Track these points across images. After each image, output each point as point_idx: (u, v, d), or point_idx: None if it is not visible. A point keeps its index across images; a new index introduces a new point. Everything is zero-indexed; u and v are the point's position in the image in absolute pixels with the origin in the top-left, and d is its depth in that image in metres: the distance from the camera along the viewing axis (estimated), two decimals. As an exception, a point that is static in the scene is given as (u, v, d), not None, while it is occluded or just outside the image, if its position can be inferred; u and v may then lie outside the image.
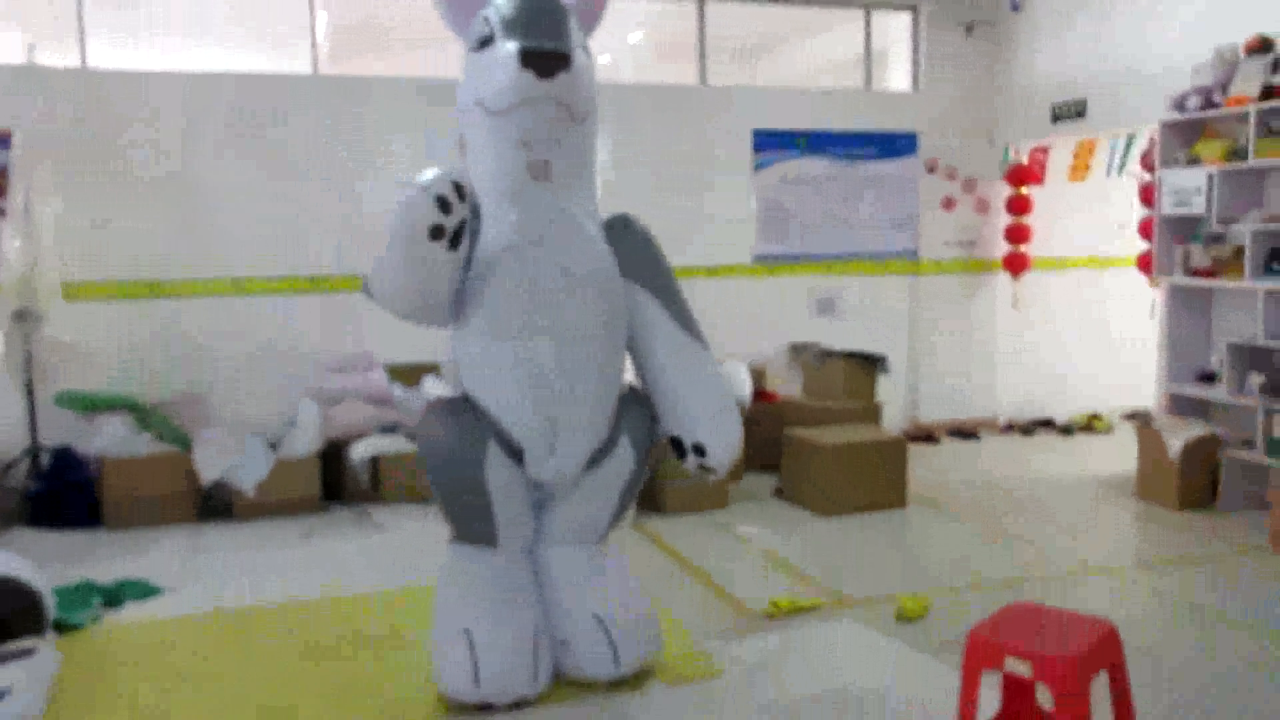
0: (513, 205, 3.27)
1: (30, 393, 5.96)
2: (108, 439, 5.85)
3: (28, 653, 3.35)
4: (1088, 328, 8.41)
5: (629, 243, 3.52)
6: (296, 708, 3.43)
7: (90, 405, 5.92)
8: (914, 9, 8.00)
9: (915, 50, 8.04)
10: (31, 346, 5.88)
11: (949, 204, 8.12)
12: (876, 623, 4.10)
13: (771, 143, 7.61)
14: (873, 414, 6.55)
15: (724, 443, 3.48)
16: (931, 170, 8.04)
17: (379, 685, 3.60)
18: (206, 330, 6.41)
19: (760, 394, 6.77)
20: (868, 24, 7.93)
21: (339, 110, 6.63)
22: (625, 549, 4.93)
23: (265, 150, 6.50)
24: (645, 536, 5.42)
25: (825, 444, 5.75)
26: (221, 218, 6.43)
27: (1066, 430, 8.21)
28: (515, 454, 3.41)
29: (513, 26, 3.11)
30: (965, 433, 8.12)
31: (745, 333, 7.51)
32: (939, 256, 8.14)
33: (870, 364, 6.73)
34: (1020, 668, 2.54)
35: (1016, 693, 2.85)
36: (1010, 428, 8.32)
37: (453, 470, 3.39)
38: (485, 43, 3.17)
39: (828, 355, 6.93)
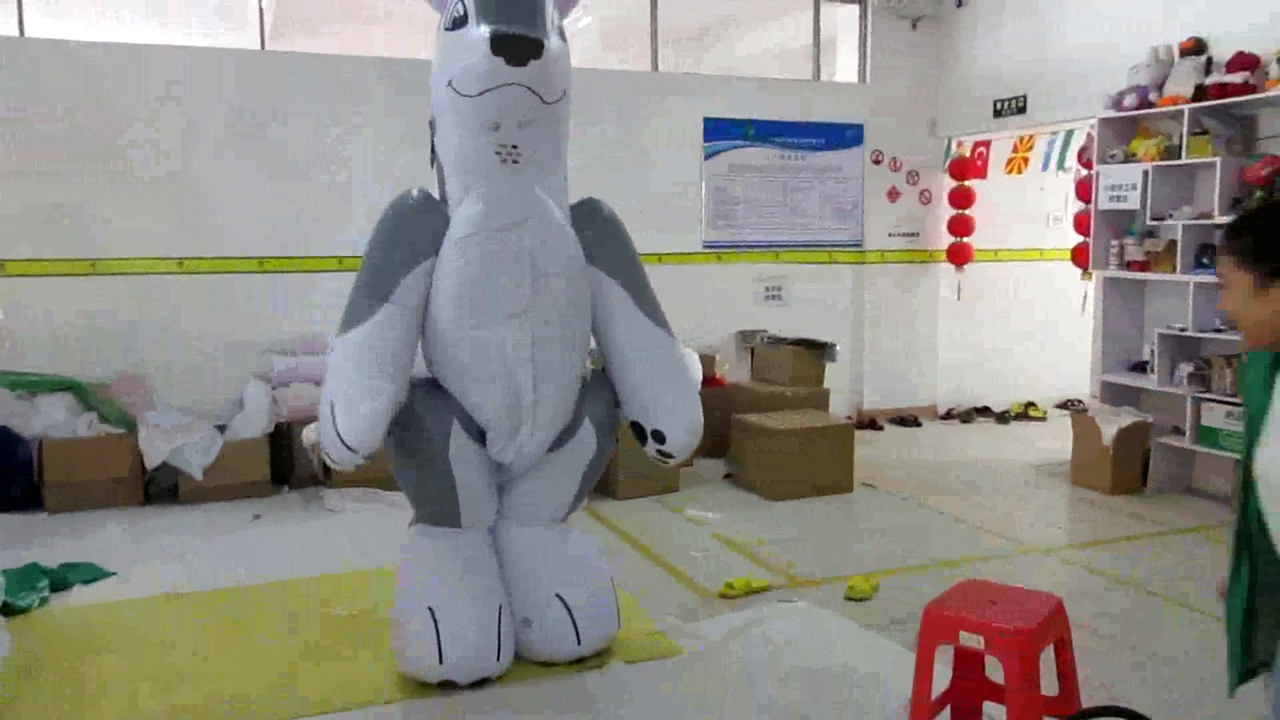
0: (480, 190, 3.29)
1: (-35, 373, 5.80)
2: (48, 420, 5.73)
3: (-23, 636, 3.30)
4: (1024, 319, 8.66)
5: (596, 228, 3.56)
6: (250, 690, 3.42)
7: (29, 385, 5.78)
8: (862, 1, 8.12)
9: (862, 42, 8.17)
10: (-34, 325, 5.72)
11: (893, 195, 8.28)
12: (828, 602, 4.21)
13: (721, 131, 7.68)
14: (821, 400, 6.68)
15: (683, 430, 3.54)
16: (877, 162, 8.19)
17: (333, 666, 3.60)
18: (150, 310, 6.28)
19: (709, 380, 6.86)
20: (816, 15, 8.03)
21: (285, 86, 6.52)
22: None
23: (213, 126, 6.38)
24: (597, 519, 5.48)
25: (775, 429, 5.86)
26: (164, 194, 6.30)
27: (1003, 418, 8.45)
28: (479, 435, 3.44)
29: (486, 8, 3.10)
30: (907, 420, 8.31)
31: (695, 319, 7.55)
32: (883, 247, 8.31)
33: (818, 350, 6.86)
34: (973, 641, 2.65)
35: (967, 666, 2.97)
36: (950, 415, 8.53)
37: (417, 449, 3.41)
38: (459, 23, 3.17)
39: (777, 341, 7.04)
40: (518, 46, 3.06)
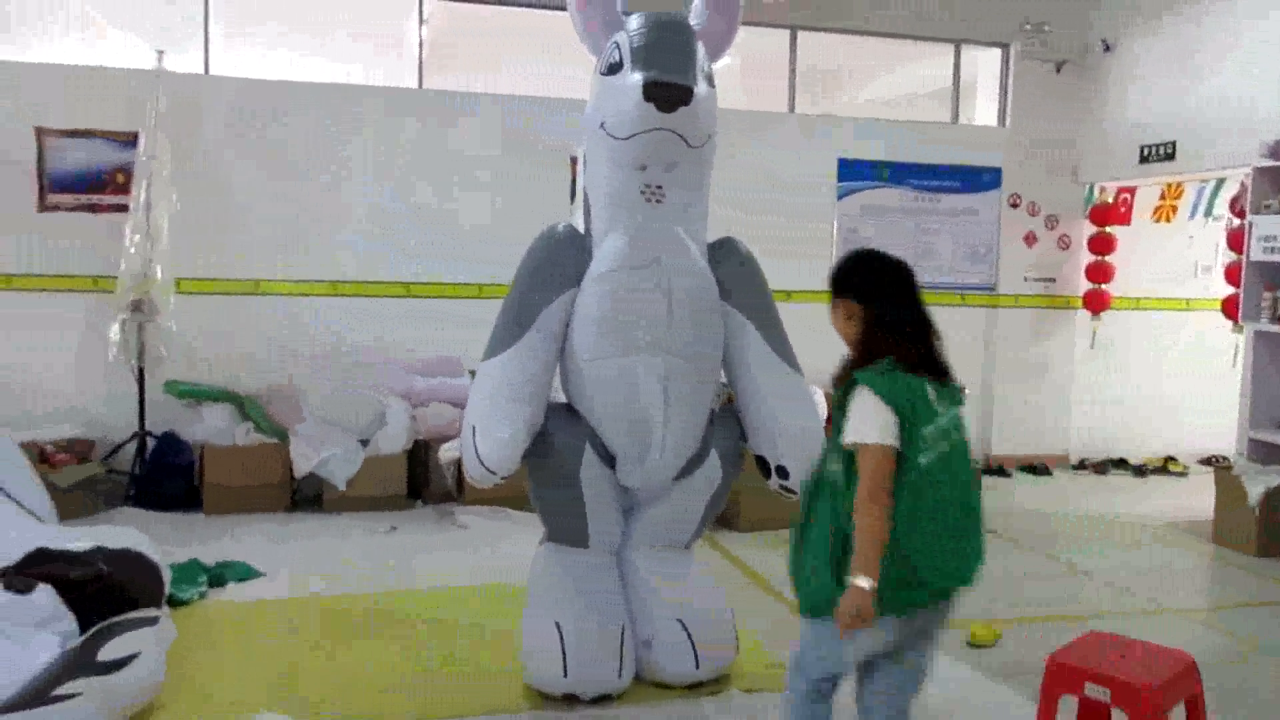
0: (624, 226, 3.45)
1: (141, 380, 6.30)
2: (209, 428, 6.17)
3: (153, 621, 3.60)
4: (1166, 370, 8.35)
5: (731, 266, 3.69)
6: (394, 690, 3.63)
7: (195, 395, 6.25)
8: (1005, 45, 8.06)
9: (1003, 86, 8.10)
10: (144, 337, 6.21)
11: (1030, 239, 8.14)
12: (949, 647, 4.18)
13: (855, 172, 7.72)
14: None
15: (806, 468, 3.60)
16: (1014, 205, 8.08)
17: (463, 674, 3.78)
18: (305, 328, 6.70)
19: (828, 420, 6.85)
20: (957, 58, 8.01)
21: (439, 123, 6.89)
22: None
23: (372, 159, 6.80)
24: (717, 551, 5.55)
25: (899, 470, 5.82)
26: (325, 221, 6.73)
27: (1140, 471, 8.16)
28: (609, 460, 3.58)
29: (640, 56, 3.29)
30: (1036, 468, 8.10)
31: (823, 358, 7.58)
32: (1018, 291, 8.16)
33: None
34: (1099, 693, 2.63)
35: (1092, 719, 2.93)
36: (1083, 465, 8.29)
37: (550, 469, 3.58)
38: (614, 69, 3.36)
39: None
40: (669, 94, 3.22)
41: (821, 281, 8.13)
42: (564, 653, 3.47)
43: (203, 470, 6.07)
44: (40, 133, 6.33)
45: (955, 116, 8.11)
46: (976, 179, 7.98)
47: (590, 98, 3.49)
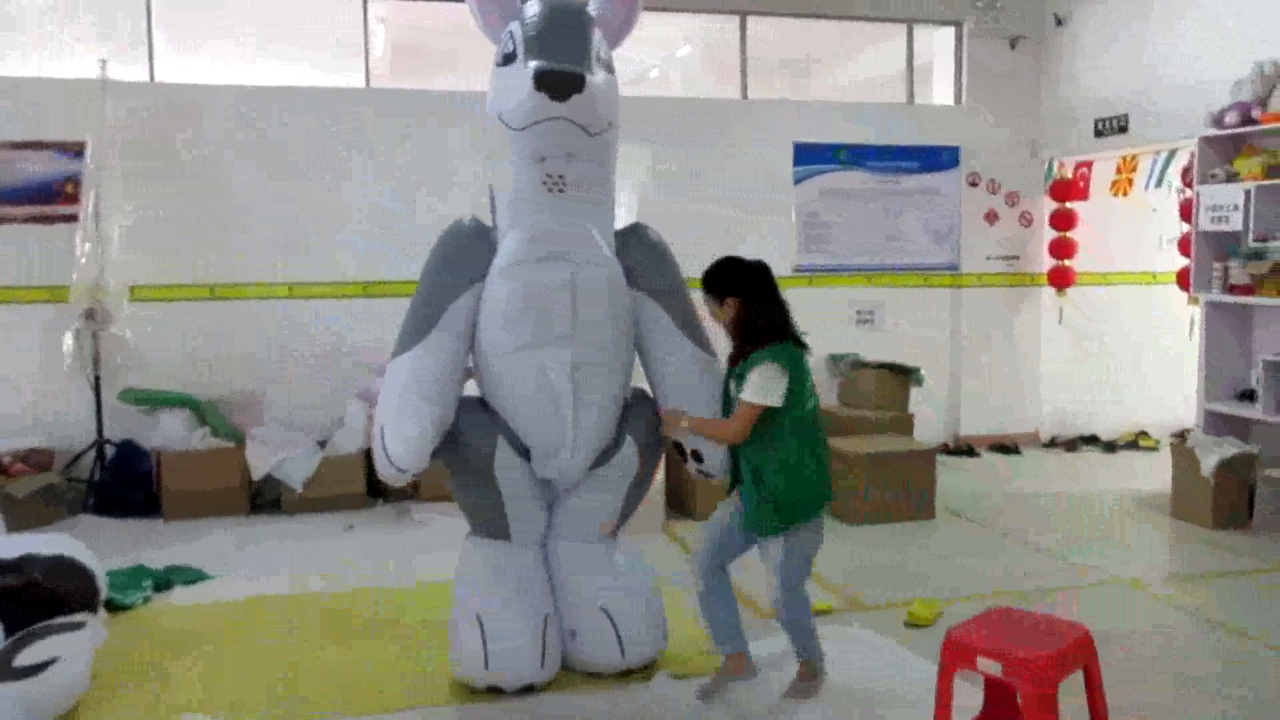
0: (527, 220, 3.45)
1: (97, 389, 6.32)
2: (167, 434, 6.19)
3: (78, 626, 3.60)
4: (1135, 344, 8.34)
5: (640, 251, 3.69)
6: (318, 689, 3.65)
7: (152, 402, 6.26)
8: (957, 24, 8.04)
9: (958, 65, 8.08)
10: (99, 345, 6.24)
11: (991, 218, 8.13)
12: (887, 627, 4.19)
13: (812, 156, 7.71)
14: (905, 425, 6.60)
15: (717, 451, 3.61)
16: (974, 184, 8.06)
17: (399, 670, 3.80)
18: (261, 332, 6.72)
19: (794, 403, 6.86)
20: (910, 39, 7.99)
21: (391, 124, 6.89)
22: (650, 551, 5.12)
23: (317, 161, 6.80)
24: (671, 539, 5.56)
25: (853, 453, 5.84)
26: (276, 225, 6.75)
27: (1110, 447, 8.14)
28: (524, 452, 3.59)
29: (532, 45, 3.29)
30: (1006, 447, 8.10)
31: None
32: (982, 270, 8.15)
33: (903, 375, 6.79)
34: (991, 667, 2.63)
35: (998, 695, 2.94)
36: (1053, 443, 8.28)
37: (466, 465, 3.59)
38: (509, 59, 3.36)
39: (860, 365, 7.00)
40: (560, 82, 3.22)
41: (783, 268, 8.22)
42: (485, 645, 3.48)
43: (160, 476, 6.09)
44: (-12, 145, 6.35)
45: (910, 97, 8.09)
46: (935, 159, 7.97)
47: (489, 90, 3.48)
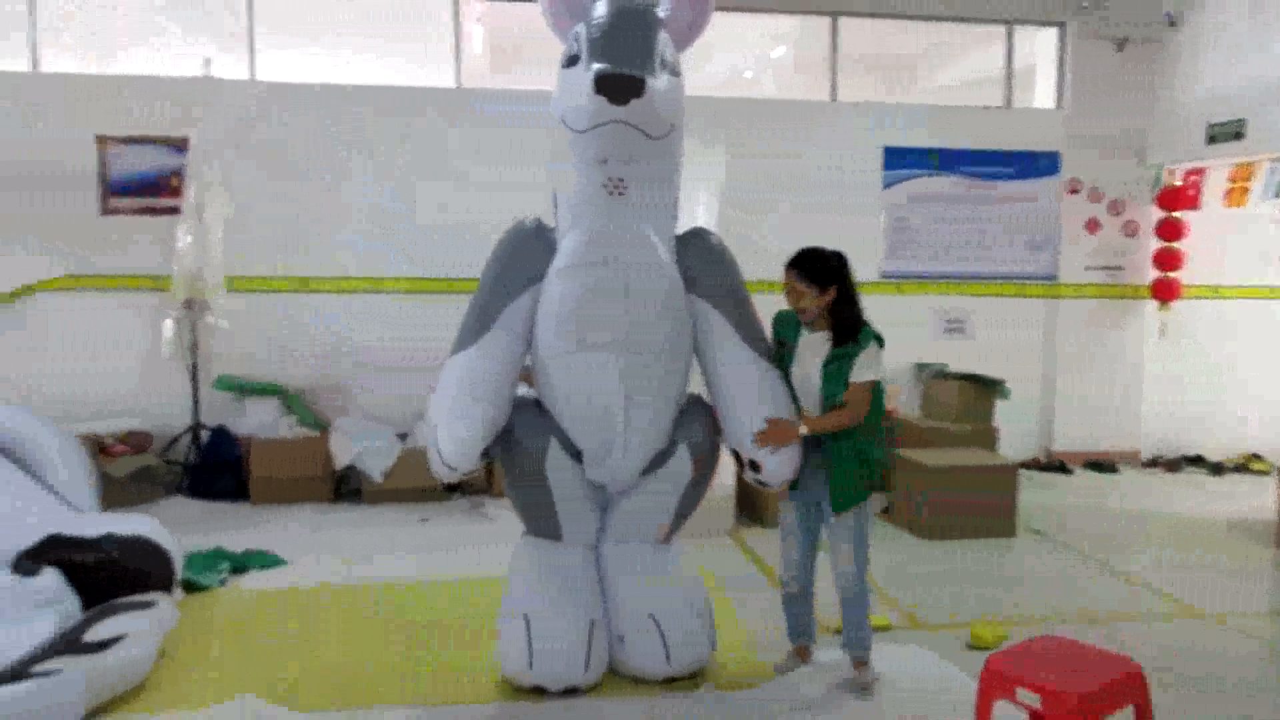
0: (585, 222, 3.46)
1: (194, 375, 6.60)
2: (256, 421, 6.44)
3: (148, 605, 3.77)
4: (1247, 362, 7.92)
5: (699, 257, 3.65)
6: (372, 678, 3.73)
7: (242, 389, 6.52)
8: (1061, 25, 7.74)
9: (1061, 67, 7.79)
10: (197, 334, 6.52)
11: (1093, 226, 7.81)
12: (946, 648, 4.06)
13: (902, 160, 7.54)
14: (987, 438, 6.40)
15: (777, 460, 3.56)
16: (1074, 191, 7.76)
17: (453, 664, 3.85)
18: (350, 325, 6.91)
19: (874, 412, 6.72)
20: (1009, 40, 7.73)
21: (485, 123, 6.99)
22: (715, 556, 5.10)
23: (414, 160, 6.96)
24: (737, 545, 5.51)
25: (928, 465, 5.69)
26: (367, 220, 6.93)
27: (1217, 469, 7.74)
28: (576, 454, 3.60)
29: (595, 47, 3.28)
30: (1102, 465, 7.77)
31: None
32: (1080, 280, 7.84)
33: (987, 387, 6.58)
34: (1029, 699, 2.53)
35: (1045, 726, 2.82)
36: (1154, 463, 7.92)
37: (518, 465, 3.62)
38: (572, 61, 3.36)
39: (942, 376, 6.81)
40: (619, 86, 3.20)
41: (868, 273, 8.06)
42: (530, 645, 3.51)
43: (248, 462, 6.33)
44: (101, 140, 6.69)
45: (1008, 100, 7.82)
46: (1033, 164, 7.70)
47: (555, 91, 3.48)
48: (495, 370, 3.48)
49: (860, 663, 3.68)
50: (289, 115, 6.84)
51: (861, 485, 3.57)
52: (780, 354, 3.67)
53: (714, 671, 3.77)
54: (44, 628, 3.52)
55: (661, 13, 3.50)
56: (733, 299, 3.66)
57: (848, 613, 3.68)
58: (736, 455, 3.66)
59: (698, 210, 6.31)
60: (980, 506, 5.67)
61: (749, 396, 3.60)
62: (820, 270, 3.53)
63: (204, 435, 6.63)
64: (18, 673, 3.13)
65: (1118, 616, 4.49)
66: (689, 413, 3.73)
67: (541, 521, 3.71)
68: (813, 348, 3.61)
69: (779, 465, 3.56)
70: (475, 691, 3.62)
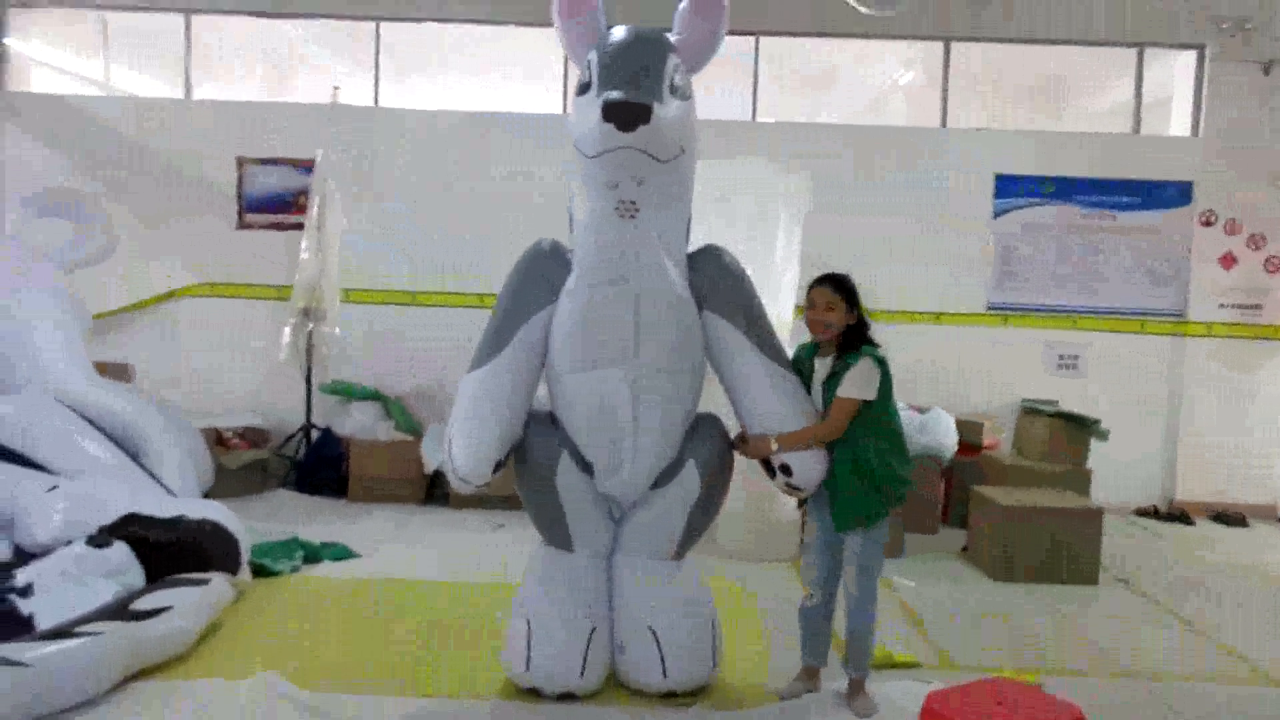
0: (598, 243, 3.57)
1: (308, 379, 7.10)
2: (357, 424, 6.85)
3: (202, 582, 4.12)
4: None
5: (711, 274, 3.71)
6: (392, 668, 3.94)
7: (347, 394, 6.96)
8: (1200, 48, 7.30)
9: (1198, 92, 7.33)
10: (312, 340, 7.01)
11: (1228, 261, 7.30)
12: (968, 691, 3.91)
13: (1015, 188, 7.29)
14: (1080, 480, 6.07)
15: (807, 462, 3.57)
16: (1208, 223, 7.28)
17: (475, 662, 4.01)
18: (451, 337, 7.24)
19: (965, 447, 6.51)
20: (1139, 64, 7.35)
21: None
22: (767, 580, 5.07)
23: (513, 181, 7.26)
24: (794, 571, 5.46)
25: (1002, 504, 5.47)
26: (470, 239, 7.27)
27: (1365, 530, 7.06)
28: (587, 467, 3.70)
29: (603, 76, 3.40)
30: (1230, 517, 7.21)
31: (971, 383, 7.26)
32: (1213, 319, 7.33)
33: (1083, 426, 6.24)
34: (959, 739, 2.46)
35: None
36: (1293, 519, 7.30)
37: (531, 476, 3.75)
38: (584, 89, 3.49)
39: (1034, 412, 6.51)
40: (627, 113, 3.29)
41: (974, 304, 7.84)
42: (529, 648, 3.63)
43: (348, 462, 6.74)
44: (240, 161, 7.32)
45: (1137, 127, 7.42)
46: (1160, 194, 7.27)
47: (570, 117, 3.61)
48: (508, 387, 3.62)
49: (857, 682, 3.68)
50: (405, 139, 7.28)
51: (866, 506, 3.57)
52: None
53: (719, 691, 3.79)
54: (105, 595, 3.91)
55: (674, 37, 3.59)
56: (746, 313, 3.70)
57: (849, 631, 3.69)
58: (766, 464, 3.68)
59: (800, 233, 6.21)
60: (1058, 550, 5.40)
61: (769, 403, 3.64)
62: (851, 289, 3.66)
63: (314, 435, 7.11)
64: (65, 631, 3.49)
65: (1174, 676, 4.19)
66: (700, 430, 3.77)
67: (553, 531, 3.83)
68: (820, 373, 3.67)
69: (807, 467, 3.58)
70: (481, 689, 3.77)
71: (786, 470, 3.61)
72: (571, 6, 3.57)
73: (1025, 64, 7.75)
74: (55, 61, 7.96)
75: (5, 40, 7.63)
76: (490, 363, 3.65)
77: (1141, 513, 7.24)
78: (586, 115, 3.43)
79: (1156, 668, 4.28)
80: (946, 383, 7.13)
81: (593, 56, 3.52)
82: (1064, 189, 7.28)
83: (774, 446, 3.56)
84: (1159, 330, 7.35)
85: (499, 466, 3.63)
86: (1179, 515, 7.21)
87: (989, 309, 7.34)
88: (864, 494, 3.56)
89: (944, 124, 7.42)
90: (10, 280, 5.58)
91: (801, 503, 3.87)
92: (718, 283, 3.71)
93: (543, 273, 3.71)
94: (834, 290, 3.63)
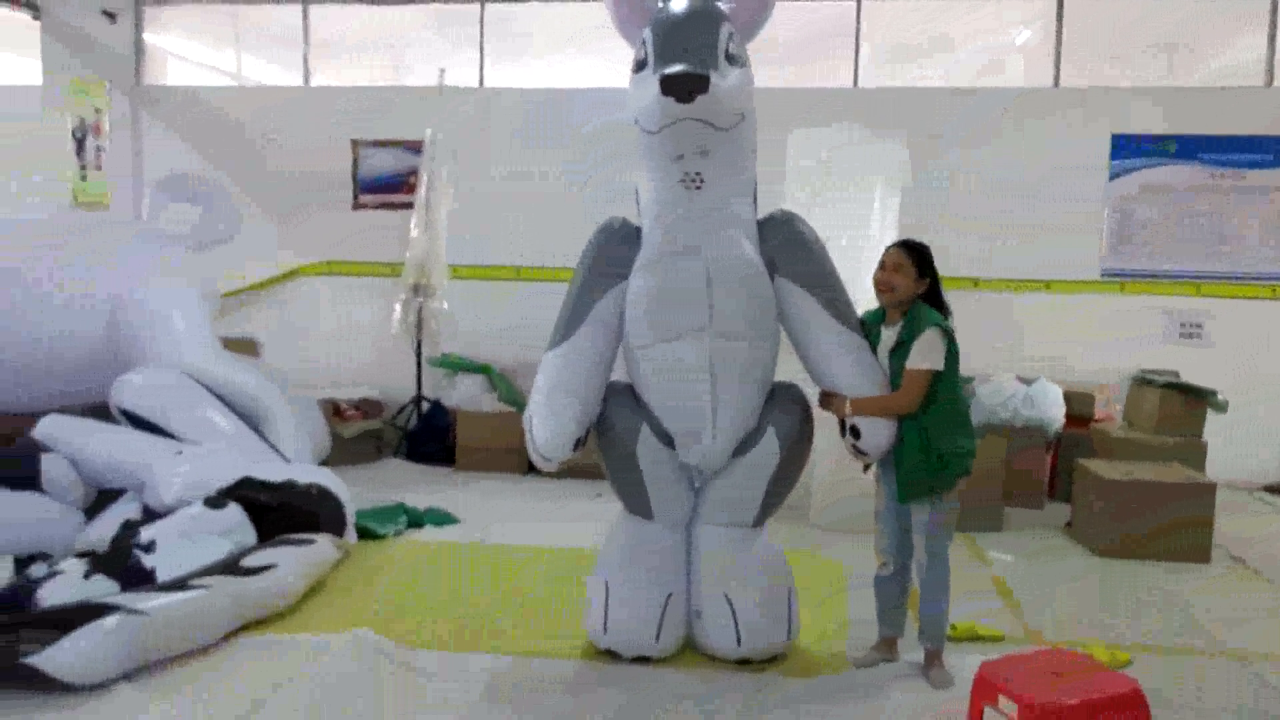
0: (666, 215, 3.63)
1: (419, 352, 7.39)
2: (464, 395, 7.10)
3: (308, 542, 4.39)
4: None
5: (784, 240, 3.72)
6: (478, 626, 4.11)
7: (454, 367, 7.21)
8: (1343, -10, 6.80)
9: (1339, 38, 6.84)
10: (422, 315, 7.28)
11: (1374, 222, 6.81)
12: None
13: (1133, 148, 6.96)
14: (1195, 453, 5.79)
15: (876, 427, 3.58)
16: (1350, 181, 6.80)
17: (558, 623, 4.16)
18: (554, 310, 7.38)
19: (1073, 420, 6.30)
20: (1274, 11, 6.88)
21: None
22: (860, 554, 5.07)
23: (615, 157, 7.32)
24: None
25: (1106, 479, 5.28)
26: (574, 215, 7.35)
27: None
28: (667, 439, 3.77)
29: (658, 50, 3.45)
30: (1370, 496, 6.77)
31: (1084, 354, 7.00)
32: (1354, 284, 6.87)
33: (1198, 397, 5.95)
34: (1008, 708, 2.44)
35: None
36: None
37: (612, 448, 3.83)
38: (641, 66, 3.54)
39: (1145, 383, 6.23)
40: (685, 84, 3.34)
41: (1087, 270, 7.56)
42: (606, 611, 3.74)
43: (455, 432, 7.00)
44: (355, 144, 7.63)
45: (1270, 79, 6.97)
46: (1295, 151, 6.82)
47: (629, 95, 3.66)
48: (586, 365, 3.71)
49: (933, 653, 3.67)
50: (510, 118, 7.45)
51: (930, 478, 3.54)
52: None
53: (796, 659, 3.82)
54: (218, 552, 4.20)
55: (725, 6, 3.59)
56: (821, 278, 3.70)
57: (921, 603, 3.68)
58: (841, 422, 3.69)
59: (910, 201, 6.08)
60: (1168, 526, 5.19)
61: (843, 370, 3.65)
62: (924, 256, 3.61)
63: (424, 406, 7.40)
64: (179, 584, 3.79)
65: (1270, 656, 4.00)
66: (778, 398, 3.79)
67: (635, 501, 3.90)
68: (886, 342, 3.62)
69: (874, 433, 3.58)
70: (564, 651, 3.90)
71: (855, 433, 3.62)
72: None
73: (1150, 21, 7.31)
74: (191, 55, 8.44)
75: (143, 36, 8.13)
76: (566, 342, 3.75)
77: (1271, 489, 6.86)
78: (645, 91, 3.49)
79: (1263, 649, 4.08)
80: (1057, 353, 6.88)
81: (646, 34, 3.56)
82: (1187, 147, 6.91)
83: (848, 409, 3.57)
84: (1291, 296, 6.93)
85: (579, 443, 3.70)
86: (1309, 493, 6.81)
87: (1104, 275, 7.05)
88: (926, 466, 3.53)
89: (1056, 84, 7.13)
90: (145, 267, 5.98)
91: (866, 468, 3.82)
92: (790, 249, 3.71)
93: (613, 251, 3.79)
94: (905, 253, 3.61)
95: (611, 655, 3.79)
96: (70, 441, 4.90)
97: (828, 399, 3.69)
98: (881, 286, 3.63)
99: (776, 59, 7.12)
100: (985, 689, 2.52)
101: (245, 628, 3.91)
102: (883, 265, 3.63)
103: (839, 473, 5.16)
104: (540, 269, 7.49)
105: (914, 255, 3.60)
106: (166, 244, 6.10)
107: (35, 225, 6.58)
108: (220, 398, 5.47)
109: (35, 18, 7.98)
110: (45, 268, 5.63)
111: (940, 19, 7.59)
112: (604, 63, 7.89)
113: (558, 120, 7.42)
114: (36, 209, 7.82)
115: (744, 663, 3.76)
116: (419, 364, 7.41)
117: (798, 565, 4.07)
